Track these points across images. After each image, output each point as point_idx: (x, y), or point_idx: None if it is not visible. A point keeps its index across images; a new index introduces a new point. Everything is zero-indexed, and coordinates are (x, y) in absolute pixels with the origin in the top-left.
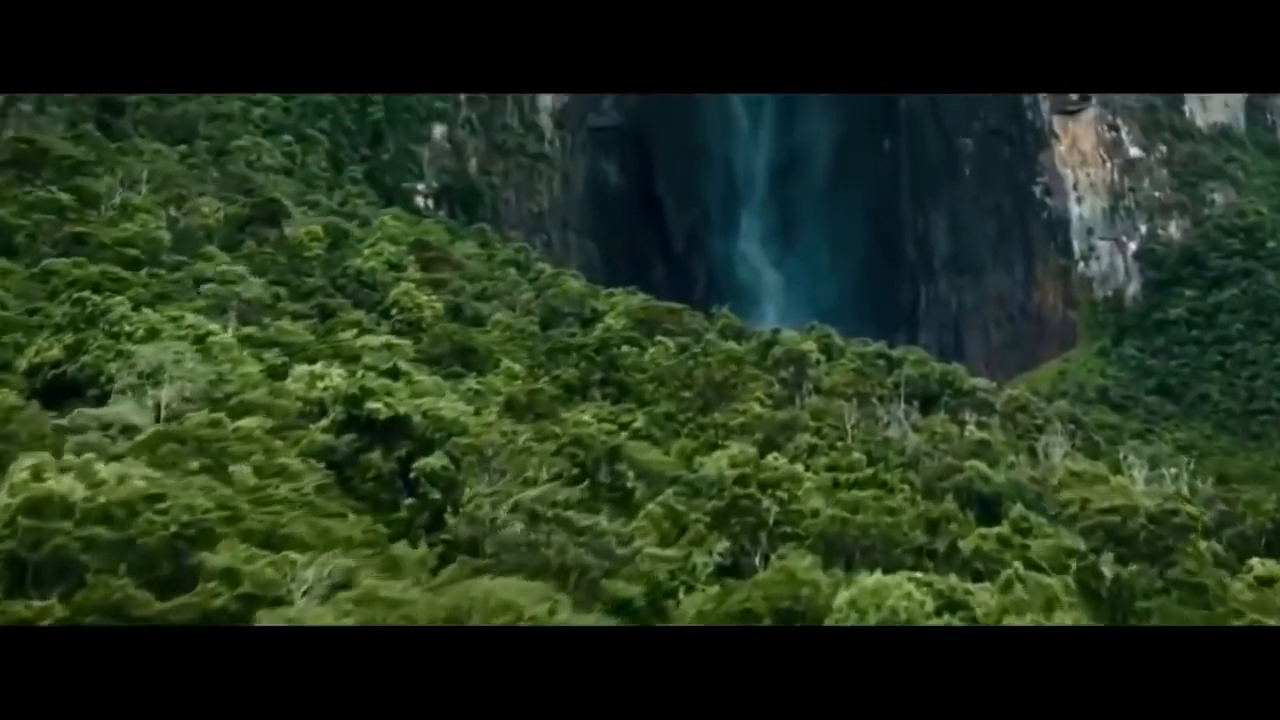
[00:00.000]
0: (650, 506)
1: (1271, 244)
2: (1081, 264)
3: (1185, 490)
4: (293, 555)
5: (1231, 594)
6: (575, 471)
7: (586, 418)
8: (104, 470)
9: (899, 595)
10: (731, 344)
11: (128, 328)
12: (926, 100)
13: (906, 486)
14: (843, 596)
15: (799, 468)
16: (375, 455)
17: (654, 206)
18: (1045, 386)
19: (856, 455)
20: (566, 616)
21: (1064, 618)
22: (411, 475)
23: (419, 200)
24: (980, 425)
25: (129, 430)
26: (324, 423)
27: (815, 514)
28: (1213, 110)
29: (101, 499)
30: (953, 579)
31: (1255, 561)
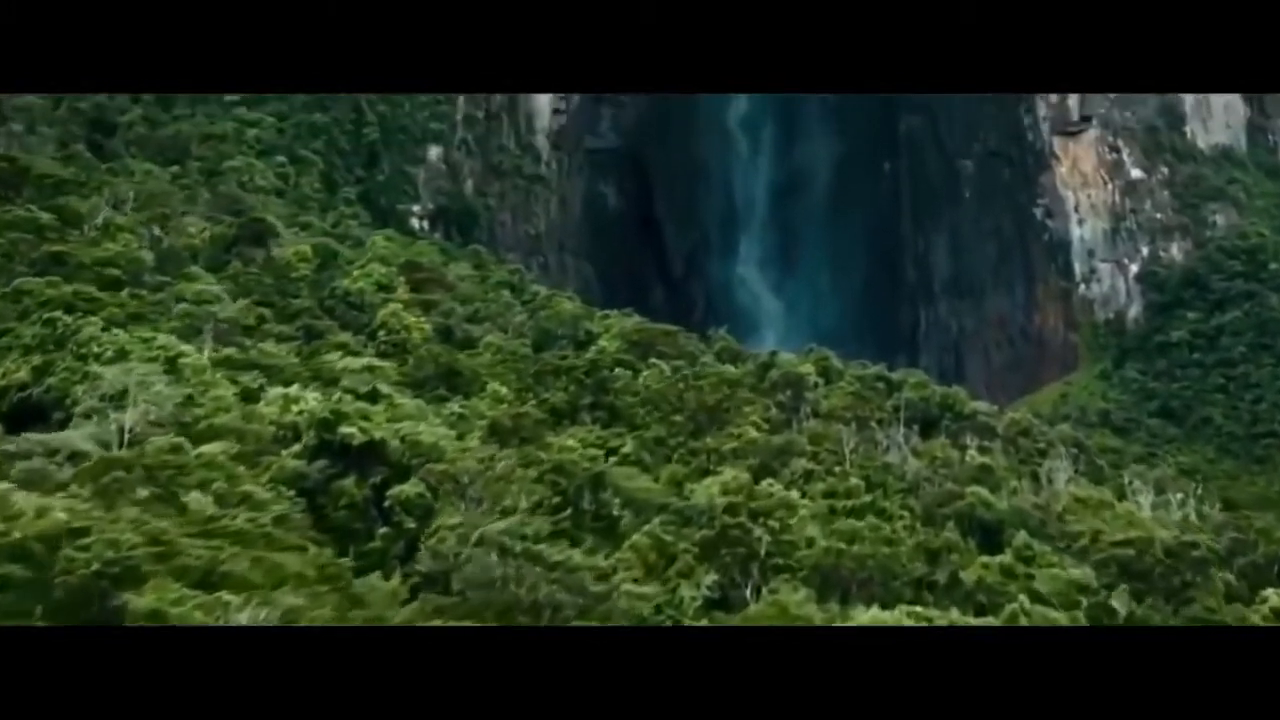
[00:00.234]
0: (636, 537)
1: (1274, 266)
2: (1083, 286)
3: (1194, 517)
4: (227, 596)
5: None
6: (557, 500)
7: (571, 443)
8: (22, 502)
9: None
10: (728, 367)
11: (96, 349)
12: (926, 122)
13: (906, 513)
14: None
15: (794, 494)
16: (348, 482)
17: (652, 229)
18: (1046, 410)
19: (855, 481)
20: None
21: None
22: (386, 503)
23: (414, 222)
24: (982, 449)
25: (77, 457)
26: (296, 448)
27: (810, 544)
28: (1214, 131)
29: (17, 534)
30: (954, 613)
31: (1270, 593)
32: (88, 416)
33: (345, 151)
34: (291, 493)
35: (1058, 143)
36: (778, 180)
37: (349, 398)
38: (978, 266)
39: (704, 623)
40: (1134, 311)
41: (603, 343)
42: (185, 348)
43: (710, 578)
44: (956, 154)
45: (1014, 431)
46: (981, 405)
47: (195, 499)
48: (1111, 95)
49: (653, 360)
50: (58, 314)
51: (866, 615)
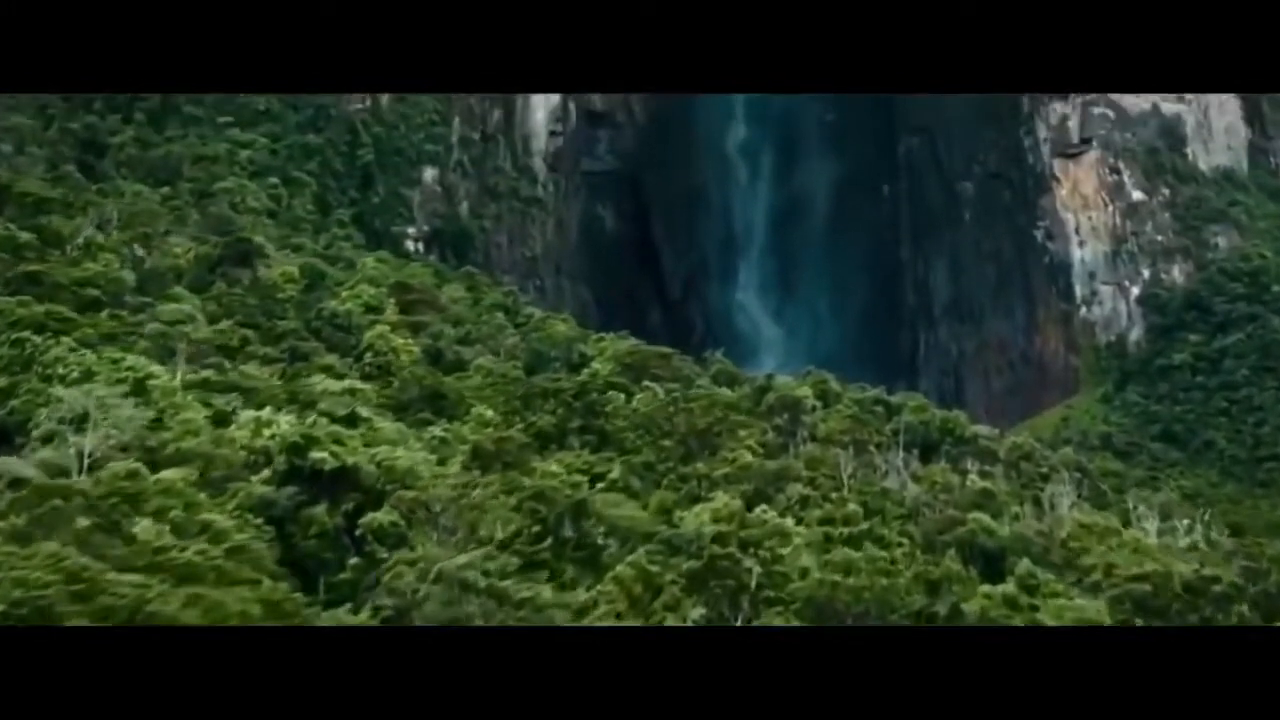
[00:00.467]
0: (620, 568)
1: (1276, 288)
2: (1084, 309)
3: (1203, 544)
4: None
5: None
6: (536, 529)
7: (555, 468)
8: None
9: None
10: (723, 390)
11: (61, 370)
12: (925, 144)
13: (905, 540)
14: None
15: (787, 522)
16: (319, 510)
17: (650, 253)
18: (1048, 434)
19: (852, 507)
20: None
21: None
22: (358, 532)
23: (409, 244)
24: (982, 474)
25: (17, 484)
26: (265, 474)
27: (804, 575)
28: (1215, 153)
29: None
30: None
31: None
32: (47, 440)
33: (339, 173)
34: (259, 521)
35: (1058, 164)
36: (776, 204)
37: (324, 421)
38: (978, 289)
39: None
40: (1135, 334)
41: (596, 365)
42: (155, 369)
43: (698, 611)
44: (956, 176)
45: (1015, 456)
46: (982, 429)
47: (145, 528)
48: (1112, 116)
49: (646, 383)
50: (26, 334)
51: None
